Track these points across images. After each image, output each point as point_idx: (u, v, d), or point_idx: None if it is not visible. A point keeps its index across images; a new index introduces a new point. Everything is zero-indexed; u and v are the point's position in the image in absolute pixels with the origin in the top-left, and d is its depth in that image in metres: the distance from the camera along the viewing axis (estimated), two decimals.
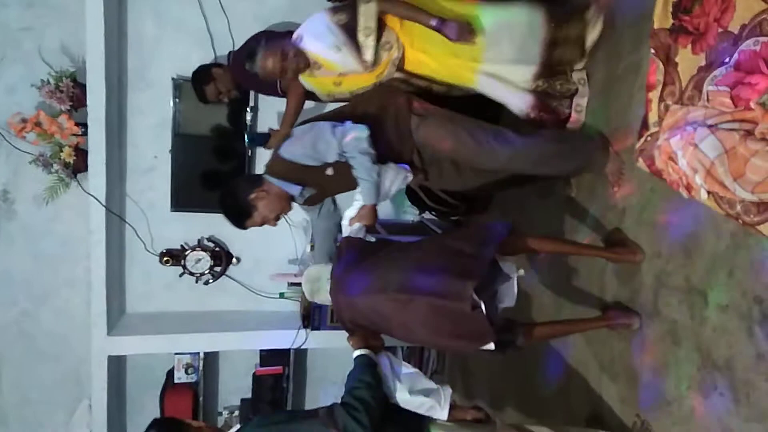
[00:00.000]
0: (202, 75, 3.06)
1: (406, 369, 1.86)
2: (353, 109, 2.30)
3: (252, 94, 3.38)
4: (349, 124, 2.16)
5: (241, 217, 2.29)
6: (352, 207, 2.20)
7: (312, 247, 3.37)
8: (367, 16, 2.18)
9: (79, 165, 3.17)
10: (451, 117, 2.30)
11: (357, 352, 1.88)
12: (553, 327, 2.25)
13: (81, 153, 3.16)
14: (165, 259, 3.46)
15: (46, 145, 3.13)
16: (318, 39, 2.25)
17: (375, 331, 1.97)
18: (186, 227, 3.51)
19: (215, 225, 3.53)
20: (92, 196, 3.13)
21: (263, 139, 3.01)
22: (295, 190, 2.29)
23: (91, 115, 3.06)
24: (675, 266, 1.92)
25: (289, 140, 2.24)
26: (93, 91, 3.04)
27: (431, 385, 1.82)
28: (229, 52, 3.14)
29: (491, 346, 1.84)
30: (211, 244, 3.54)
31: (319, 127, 2.18)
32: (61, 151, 3.11)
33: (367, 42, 2.20)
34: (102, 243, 3.19)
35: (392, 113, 2.26)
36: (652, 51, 1.56)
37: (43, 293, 3.42)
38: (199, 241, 3.53)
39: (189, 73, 3.32)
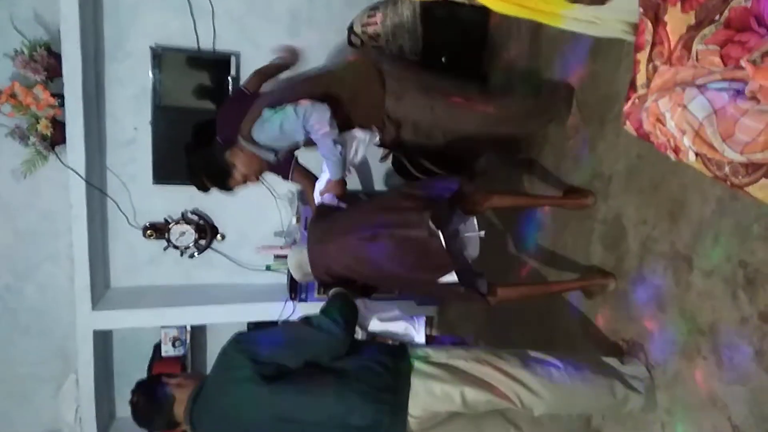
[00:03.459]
0: (221, 168, 2.45)
1: (378, 305, 1.98)
2: (327, 90, 2.31)
3: (233, 60, 3.29)
4: (307, 103, 2.21)
5: (222, 177, 2.38)
6: (320, 180, 2.33)
7: (298, 219, 3.34)
8: None
9: (56, 137, 3.08)
10: (426, 87, 2.37)
11: (332, 291, 1.99)
12: (530, 288, 2.35)
13: (58, 125, 3.06)
14: (148, 232, 3.41)
15: (21, 117, 3.04)
16: None
17: (349, 278, 2.07)
18: (169, 200, 3.44)
19: (199, 198, 3.45)
20: (71, 169, 3.06)
21: None
22: (269, 156, 2.36)
23: (68, 85, 2.96)
24: (661, 232, 1.91)
25: (259, 122, 2.27)
26: (69, 60, 2.94)
27: (404, 314, 1.93)
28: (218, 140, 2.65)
29: (453, 277, 1.92)
30: (195, 217, 3.49)
31: (284, 110, 2.24)
32: (38, 123, 3.01)
33: None
34: (83, 217, 3.12)
35: (364, 101, 2.34)
36: (641, 10, 1.52)
37: (26, 268, 3.35)
38: (182, 214, 3.48)
39: (168, 42, 3.23)
